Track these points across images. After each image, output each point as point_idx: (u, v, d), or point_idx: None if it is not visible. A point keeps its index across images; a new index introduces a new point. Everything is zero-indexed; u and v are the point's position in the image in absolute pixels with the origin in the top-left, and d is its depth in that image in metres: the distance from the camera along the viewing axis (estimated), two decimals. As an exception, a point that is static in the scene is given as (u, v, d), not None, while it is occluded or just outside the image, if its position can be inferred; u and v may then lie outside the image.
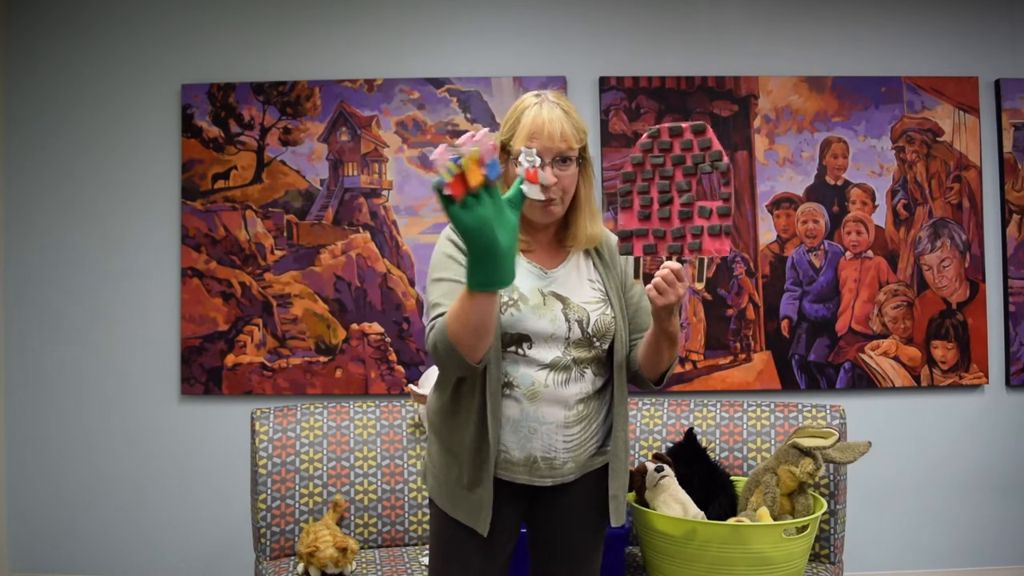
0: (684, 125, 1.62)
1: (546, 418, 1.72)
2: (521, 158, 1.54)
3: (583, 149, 1.76)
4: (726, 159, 1.59)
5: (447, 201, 1.43)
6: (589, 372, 1.76)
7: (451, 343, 1.57)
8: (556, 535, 1.84)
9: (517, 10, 3.34)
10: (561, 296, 1.75)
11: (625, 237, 1.66)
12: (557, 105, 1.72)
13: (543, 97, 1.73)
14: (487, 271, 1.48)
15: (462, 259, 1.72)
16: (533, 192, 1.54)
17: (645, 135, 1.65)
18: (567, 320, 1.72)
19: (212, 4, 3.31)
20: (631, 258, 1.75)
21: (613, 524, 1.82)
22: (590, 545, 1.86)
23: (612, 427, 1.81)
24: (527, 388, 1.71)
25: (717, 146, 1.60)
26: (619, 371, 1.80)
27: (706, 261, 1.61)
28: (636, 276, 1.70)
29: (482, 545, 1.76)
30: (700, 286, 1.61)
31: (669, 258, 1.62)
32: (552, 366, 1.72)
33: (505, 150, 1.73)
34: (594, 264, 1.82)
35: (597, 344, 1.76)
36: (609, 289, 1.80)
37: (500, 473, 1.75)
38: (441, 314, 1.65)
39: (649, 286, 1.60)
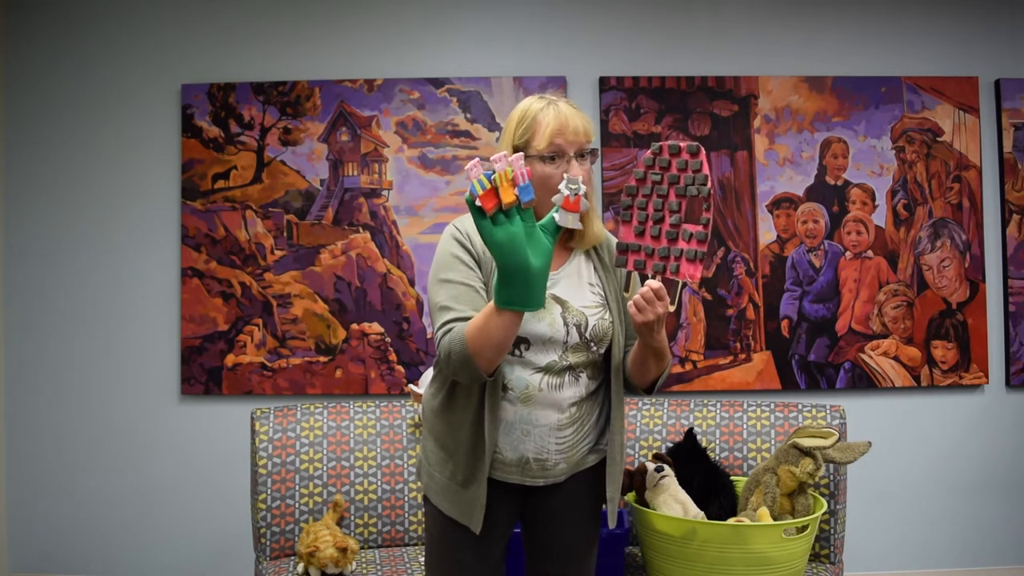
0: (682, 145, 1.64)
1: (539, 420, 1.72)
2: (562, 185, 1.52)
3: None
4: (710, 184, 1.61)
5: (479, 215, 1.48)
6: (584, 376, 1.76)
7: (469, 355, 1.58)
8: (550, 534, 1.85)
9: (517, 10, 3.34)
10: (561, 299, 1.74)
11: (622, 250, 1.69)
12: (568, 103, 1.74)
13: (551, 98, 1.74)
14: (515, 291, 1.52)
15: (469, 260, 1.72)
16: (568, 220, 1.53)
17: (648, 151, 1.67)
18: (565, 324, 1.72)
19: (212, 4, 3.31)
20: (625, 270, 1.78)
21: (610, 527, 1.82)
22: (584, 543, 1.87)
23: (608, 430, 1.81)
24: (521, 391, 1.71)
25: (705, 170, 1.61)
26: (616, 375, 1.80)
27: (680, 285, 1.64)
28: (625, 289, 1.75)
29: (475, 542, 1.76)
30: (672, 308, 1.62)
31: (653, 276, 1.64)
32: (547, 369, 1.72)
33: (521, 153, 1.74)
34: (595, 267, 1.82)
35: (594, 349, 1.76)
36: (608, 293, 1.80)
37: (492, 473, 1.75)
38: (452, 319, 1.65)
39: (630, 303, 1.62)
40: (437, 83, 3.28)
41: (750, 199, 3.30)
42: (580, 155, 1.70)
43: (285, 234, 3.25)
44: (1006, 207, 3.34)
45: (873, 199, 3.31)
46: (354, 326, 3.24)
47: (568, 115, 1.70)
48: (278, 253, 3.25)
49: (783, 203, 3.31)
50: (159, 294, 3.27)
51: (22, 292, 3.29)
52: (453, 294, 1.68)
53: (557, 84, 3.27)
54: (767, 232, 3.30)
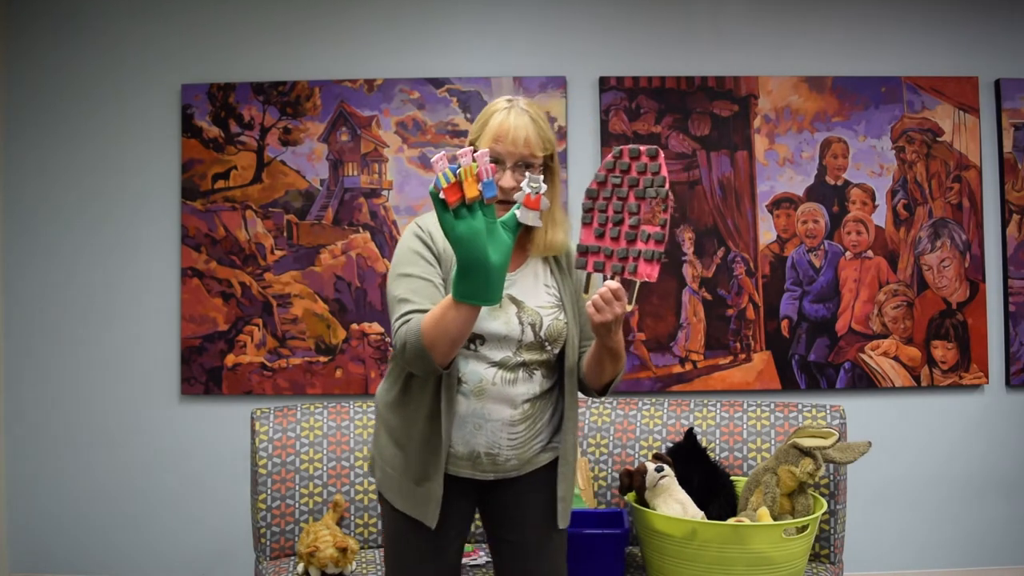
0: (642, 148, 1.67)
1: (492, 415, 1.75)
2: (524, 184, 1.55)
3: (549, 158, 1.79)
4: (667, 186, 1.64)
5: (442, 208, 1.49)
6: (538, 374, 1.79)
7: (424, 347, 1.60)
8: (505, 530, 1.87)
9: (517, 10, 3.34)
10: (516, 299, 1.77)
11: (582, 252, 1.71)
12: (526, 112, 1.75)
13: (514, 103, 1.76)
14: (474, 284, 1.54)
15: (430, 257, 1.75)
16: (528, 218, 1.55)
17: (610, 155, 1.70)
18: (520, 323, 1.75)
19: (212, 4, 3.31)
20: (584, 272, 1.79)
21: (560, 527, 1.84)
22: (543, 543, 1.87)
23: (562, 430, 1.84)
24: (475, 384, 1.73)
25: (664, 172, 1.65)
26: (570, 375, 1.83)
27: (637, 285, 1.65)
28: (585, 291, 1.77)
29: (431, 538, 1.78)
30: (631, 308, 1.64)
31: (612, 277, 1.66)
32: (501, 364, 1.74)
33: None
34: (551, 270, 1.85)
35: (548, 348, 1.79)
36: (564, 295, 1.83)
37: (445, 467, 1.76)
38: (410, 311, 1.67)
39: (588, 303, 1.64)
40: (437, 83, 3.28)
41: (750, 199, 3.30)
42: (519, 166, 1.72)
43: (285, 234, 3.25)
44: (1006, 207, 3.34)
45: (873, 199, 3.31)
46: (354, 326, 3.24)
47: (513, 125, 1.72)
48: (278, 253, 3.25)
49: (783, 203, 3.31)
50: (159, 294, 3.27)
51: (22, 292, 3.29)
52: (412, 287, 1.70)
53: (557, 84, 3.27)
54: (767, 232, 3.30)
